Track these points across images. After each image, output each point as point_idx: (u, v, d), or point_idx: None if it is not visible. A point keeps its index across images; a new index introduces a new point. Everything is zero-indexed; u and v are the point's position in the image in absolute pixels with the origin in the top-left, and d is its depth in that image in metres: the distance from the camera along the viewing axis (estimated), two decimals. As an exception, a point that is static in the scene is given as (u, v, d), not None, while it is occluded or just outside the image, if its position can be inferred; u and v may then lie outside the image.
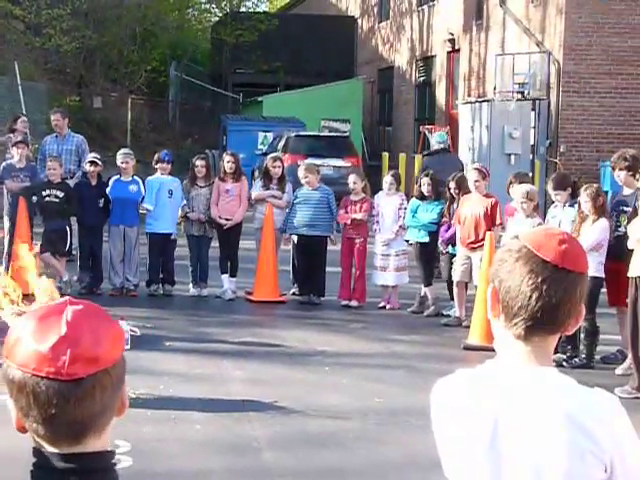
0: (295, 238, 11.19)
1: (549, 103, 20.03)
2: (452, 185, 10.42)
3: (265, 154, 19.14)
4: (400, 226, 10.77)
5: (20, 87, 22.48)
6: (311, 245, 10.97)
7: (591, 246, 7.90)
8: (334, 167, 20.39)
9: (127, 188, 11.14)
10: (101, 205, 11.09)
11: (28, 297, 5.62)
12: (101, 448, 1.63)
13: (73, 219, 10.99)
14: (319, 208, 10.96)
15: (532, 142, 19.28)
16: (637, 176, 8.24)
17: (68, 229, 10.92)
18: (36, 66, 27.37)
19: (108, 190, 11.09)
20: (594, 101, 19.89)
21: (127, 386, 1.66)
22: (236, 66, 32.57)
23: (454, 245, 10.22)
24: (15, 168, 11.64)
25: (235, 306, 10.85)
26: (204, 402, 7.01)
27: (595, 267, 7.79)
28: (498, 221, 9.80)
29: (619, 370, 8.19)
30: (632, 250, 7.55)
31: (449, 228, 10.41)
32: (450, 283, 10.36)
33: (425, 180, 10.67)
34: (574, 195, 8.77)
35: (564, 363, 8.20)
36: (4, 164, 11.83)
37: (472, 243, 9.86)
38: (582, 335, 8.33)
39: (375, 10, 32.55)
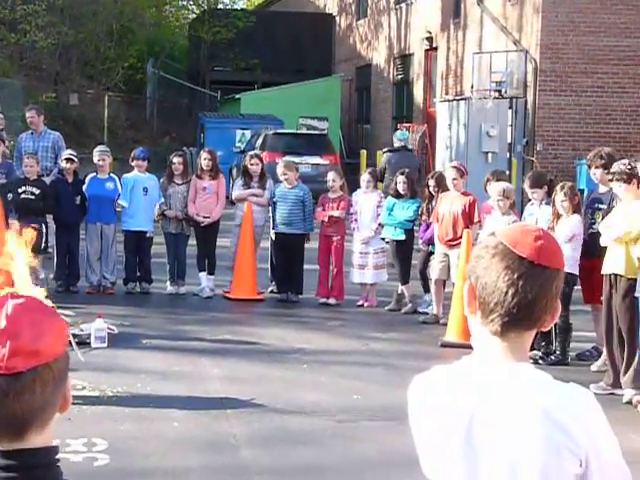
0: (273, 235, 11.19)
1: (526, 101, 20.12)
2: (431, 183, 10.45)
3: (243, 152, 19.12)
4: (379, 224, 10.79)
5: (-5, 84, 22.35)
6: (289, 243, 10.97)
7: (566, 239, 7.96)
8: (312, 165, 20.39)
9: (104, 185, 11.09)
10: (78, 203, 11.03)
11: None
12: (43, 444, 1.61)
13: (49, 216, 10.93)
14: (297, 206, 10.97)
15: (509, 140, 19.36)
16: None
17: (44, 226, 10.85)
18: (11, 62, 27.16)
19: (85, 187, 11.04)
20: (570, 100, 20.00)
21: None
22: (214, 63, 32.49)
23: (434, 244, 10.26)
24: (-9, 165, 11.57)
25: (213, 304, 10.83)
26: (182, 400, 6.99)
27: (569, 264, 7.83)
28: (476, 219, 9.83)
29: (594, 367, 8.25)
30: (606, 247, 7.59)
31: (427, 227, 10.44)
32: (424, 276, 10.43)
33: (401, 178, 10.70)
34: (550, 193, 8.82)
35: (540, 360, 8.25)
36: (-20, 161, 11.75)
37: (450, 241, 9.89)
38: (555, 332, 8.39)
39: (353, 8, 32.57)
